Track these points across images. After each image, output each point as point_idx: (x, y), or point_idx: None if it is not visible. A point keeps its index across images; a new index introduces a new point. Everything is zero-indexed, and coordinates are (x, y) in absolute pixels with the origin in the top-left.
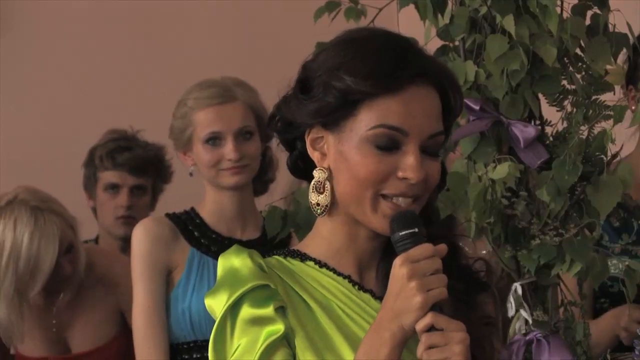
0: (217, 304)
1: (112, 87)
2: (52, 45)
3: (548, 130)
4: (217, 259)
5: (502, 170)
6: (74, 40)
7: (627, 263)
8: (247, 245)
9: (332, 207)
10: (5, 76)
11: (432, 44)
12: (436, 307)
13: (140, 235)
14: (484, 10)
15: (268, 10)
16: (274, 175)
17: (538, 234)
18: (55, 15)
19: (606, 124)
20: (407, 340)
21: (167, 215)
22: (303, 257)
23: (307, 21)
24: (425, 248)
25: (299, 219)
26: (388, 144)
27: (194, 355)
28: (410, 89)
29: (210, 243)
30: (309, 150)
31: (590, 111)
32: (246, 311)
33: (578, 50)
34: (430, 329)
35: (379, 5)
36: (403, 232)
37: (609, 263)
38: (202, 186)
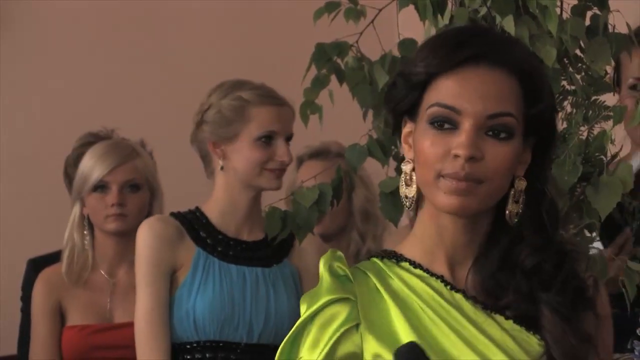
0: (301, 311)
1: (112, 87)
2: (52, 45)
3: None
4: (222, 260)
5: None
6: (74, 40)
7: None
8: (252, 246)
9: (419, 200)
10: (5, 76)
11: None
12: None
13: (145, 234)
14: (483, 10)
15: (267, 11)
16: None
17: None
18: (55, 15)
19: (606, 125)
20: None
21: (172, 214)
22: (399, 258)
23: (307, 22)
24: None
25: (298, 220)
26: (443, 122)
27: (196, 356)
28: (467, 69)
29: (216, 244)
30: (403, 145)
31: (590, 112)
32: (314, 334)
33: (578, 51)
34: None
35: (379, 6)
36: None
37: None
38: (202, 185)
